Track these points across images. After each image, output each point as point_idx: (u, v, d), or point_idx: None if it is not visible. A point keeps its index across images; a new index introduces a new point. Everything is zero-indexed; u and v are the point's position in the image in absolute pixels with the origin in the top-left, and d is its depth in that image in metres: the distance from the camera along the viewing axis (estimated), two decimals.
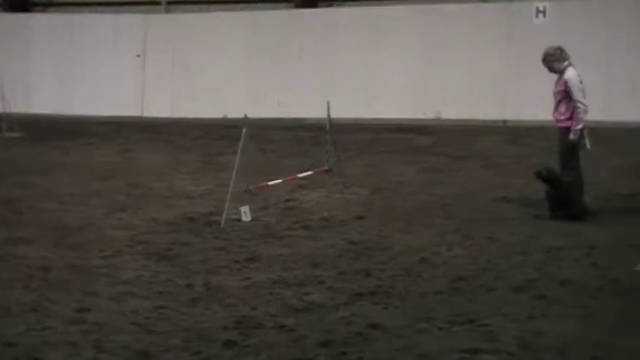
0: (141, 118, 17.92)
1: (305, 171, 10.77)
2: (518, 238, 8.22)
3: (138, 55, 18.16)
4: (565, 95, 8.96)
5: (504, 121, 15.46)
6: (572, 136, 8.87)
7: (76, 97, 18.57)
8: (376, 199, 10.10)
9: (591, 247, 7.82)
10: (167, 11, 19.49)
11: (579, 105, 8.87)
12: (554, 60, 9.12)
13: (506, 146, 13.44)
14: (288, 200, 10.08)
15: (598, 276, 7.01)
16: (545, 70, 9.29)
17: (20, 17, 19.65)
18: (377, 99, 16.61)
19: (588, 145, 8.98)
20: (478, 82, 16.07)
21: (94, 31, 18.54)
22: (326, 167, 11.26)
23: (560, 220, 8.74)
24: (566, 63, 9.08)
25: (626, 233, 8.25)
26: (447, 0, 16.78)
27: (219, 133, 15.39)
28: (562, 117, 8.99)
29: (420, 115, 16.18)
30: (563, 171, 8.96)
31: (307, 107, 16.48)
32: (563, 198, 8.80)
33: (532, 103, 15.06)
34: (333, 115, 10.96)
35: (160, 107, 17.97)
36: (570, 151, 8.92)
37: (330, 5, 18.10)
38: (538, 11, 15.68)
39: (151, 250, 8.03)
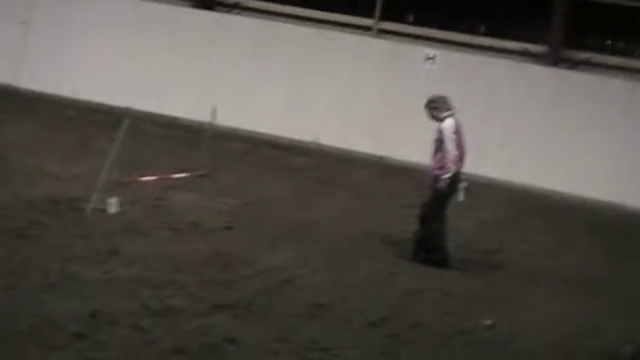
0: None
1: (180, 172, 10.64)
2: (379, 274, 8.37)
3: (23, 22, 17.52)
4: (440, 144, 9.20)
5: (381, 157, 15.74)
6: (440, 185, 9.12)
7: None
8: (246, 212, 10.07)
9: (447, 295, 8.05)
10: None
11: (447, 155, 9.10)
12: (434, 107, 9.31)
13: (380, 182, 13.68)
14: (158, 199, 9.91)
15: (450, 324, 7.22)
16: (425, 114, 9.47)
17: None
18: (257, 112, 16.62)
19: (461, 197, 9.25)
20: (358, 113, 16.34)
21: None
22: (201, 171, 11.18)
23: (420, 263, 8.95)
24: (446, 113, 9.25)
25: (479, 287, 8.53)
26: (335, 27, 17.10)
27: (96, 118, 14.98)
28: (436, 165, 9.23)
29: (296, 136, 16.28)
30: (427, 217, 9.17)
31: (189, 108, 16.31)
32: (427, 243, 9.02)
33: (410, 143, 15.44)
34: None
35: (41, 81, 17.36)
36: (439, 199, 9.15)
37: (228, 12, 18.04)
38: (428, 57, 16.11)
39: (10, 228, 7.73)
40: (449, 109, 9.29)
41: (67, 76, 17.28)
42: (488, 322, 7.33)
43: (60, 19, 17.60)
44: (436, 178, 9.13)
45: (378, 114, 16.21)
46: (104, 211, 8.80)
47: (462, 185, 9.22)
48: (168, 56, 17.11)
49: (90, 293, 6.43)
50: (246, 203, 10.52)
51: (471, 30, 17.18)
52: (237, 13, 18.01)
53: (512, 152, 15.55)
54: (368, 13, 17.58)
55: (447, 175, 9.06)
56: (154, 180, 10.12)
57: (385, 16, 17.57)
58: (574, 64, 16.38)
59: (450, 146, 9.06)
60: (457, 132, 9.17)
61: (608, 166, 15.00)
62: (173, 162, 11.73)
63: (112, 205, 8.88)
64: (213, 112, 11.51)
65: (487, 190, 13.16)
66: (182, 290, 6.87)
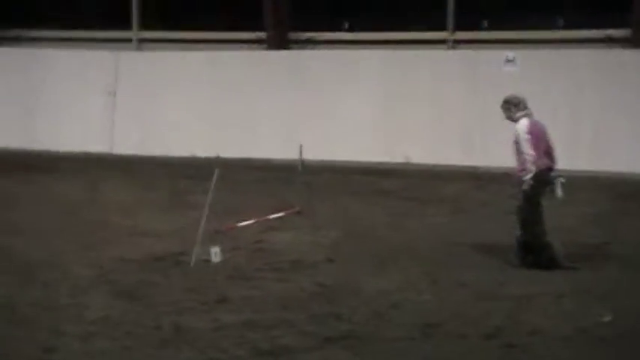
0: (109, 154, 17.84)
1: (275, 212, 10.75)
2: (488, 285, 8.24)
3: (110, 93, 18.11)
4: (517, 146, 9.03)
5: (473, 167, 15.58)
6: (524, 186, 8.92)
7: (44, 131, 18.42)
8: (346, 242, 10.09)
9: (560, 296, 7.86)
10: (138, 48, 19.50)
11: (525, 156, 8.90)
12: (509, 107, 9.14)
13: (475, 192, 13.53)
14: (258, 241, 10.02)
15: (567, 325, 7.03)
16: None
17: None
18: (345, 140, 16.69)
19: (559, 193, 9.03)
20: (447, 126, 16.23)
21: (63, 67, 18.47)
22: (296, 209, 11.26)
23: (529, 267, 8.78)
24: (520, 114, 9.06)
25: (593, 283, 8.31)
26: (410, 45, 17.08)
27: (188, 172, 15.33)
28: (519, 167, 9.06)
29: (388, 159, 16.27)
30: (524, 220, 8.98)
31: (276, 148, 16.52)
32: (530, 246, 8.85)
33: (500, 149, 15.21)
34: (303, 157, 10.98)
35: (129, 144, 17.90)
36: (529, 200, 8.95)
37: (303, 48, 18.23)
38: (507, 60, 15.91)
39: (119, 289, 7.94)
40: (524, 109, 9.10)
41: (155, 136, 17.77)
42: (608, 317, 7.11)
43: (143, 85, 18.13)
44: (520, 181, 8.97)
45: (465, 124, 16.08)
46: (208, 261, 8.94)
47: (559, 181, 9.00)
48: (250, 100, 17.41)
49: (203, 343, 6.52)
50: (344, 233, 10.54)
51: (549, 25, 16.92)
52: (312, 48, 18.19)
53: (605, 141, 15.18)
54: (441, 26, 17.54)
55: (528, 177, 8.87)
56: (252, 224, 10.24)
57: (459, 26, 17.50)
58: None
59: (525, 147, 8.87)
60: (533, 132, 8.94)
61: None
62: (268, 203, 11.86)
63: (215, 254, 9.01)
64: (300, 148, 11.61)
65: (585, 183, 12.86)
66: (292, 328, 6.89)
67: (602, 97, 15.40)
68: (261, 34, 18.34)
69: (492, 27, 17.33)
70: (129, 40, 19.62)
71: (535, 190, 8.88)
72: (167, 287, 8.07)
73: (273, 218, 10.61)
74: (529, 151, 8.86)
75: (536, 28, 16.83)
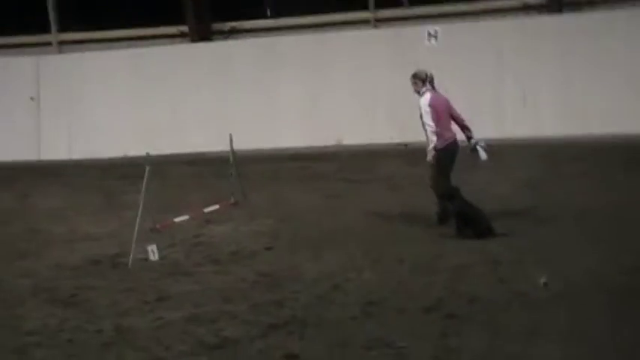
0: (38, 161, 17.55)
1: (211, 205, 10.70)
2: (426, 258, 8.33)
3: (32, 98, 17.78)
4: (422, 120, 9.41)
5: (405, 144, 15.71)
6: (428, 157, 9.29)
7: None
8: (284, 229, 10.10)
9: (496, 263, 7.99)
10: (60, 51, 19.16)
11: (426, 127, 9.30)
12: (416, 82, 9.57)
13: (407, 168, 13.64)
14: (196, 236, 9.98)
15: (505, 291, 7.16)
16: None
17: None
18: (276, 128, 16.69)
19: (483, 156, 9.27)
20: (375, 106, 16.33)
21: None
22: (232, 200, 11.23)
23: (465, 238, 8.91)
24: (425, 88, 9.47)
25: (528, 247, 8.46)
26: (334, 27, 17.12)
27: (120, 173, 15.17)
28: (426, 139, 9.42)
29: (319, 143, 16.31)
30: (440, 191, 9.32)
31: (206, 141, 16.43)
32: (463, 216, 8.99)
33: None
34: (234, 147, 10.95)
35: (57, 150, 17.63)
36: (438, 171, 9.28)
37: (226, 38, 18.13)
38: (430, 35, 16.05)
39: (57, 297, 7.81)
40: (429, 83, 9.50)
41: (83, 139, 17.52)
42: (543, 280, 7.25)
43: (66, 88, 17.83)
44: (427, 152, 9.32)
45: (393, 102, 16.19)
46: (146, 260, 8.86)
47: (480, 145, 9.25)
48: (177, 95, 17.27)
49: (146, 343, 6.46)
50: (281, 220, 10.56)
51: None
52: (235, 38, 18.12)
53: (532, 107, 15.45)
54: (363, 5, 17.60)
55: (431, 147, 9.23)
56: (188, 219, 10.17)
57: (380, 5, 17.58)
58: (576, 6, 16.23)
59: (427, 119, 9.30)
60: (434, 105, 9.32)
61: (629, 100, 14.85)
62: (203, 197, 11.80)
63: (152, 252, 8.93)
64: (231, 139, 11.56)
65: (514, 149, 13.07)
66: (235, 319, 6.88)
67: (524, 64, 15.66)
68: (184, 28, 18.19)
69: (413, 3, 17.47)
70: (49, 44, 19.27)
71: (442, 162, 9.25)
72: (106, 290, 7.98)
73: (209, 212, 10.56)
74: (429, 122, 9.28)
75: (455, 1, 17.03)
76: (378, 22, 17.59)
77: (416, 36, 16.13)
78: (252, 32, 18.16)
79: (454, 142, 9.38)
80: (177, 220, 10.06)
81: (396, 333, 6.33)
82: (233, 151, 11.54)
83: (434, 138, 9.24)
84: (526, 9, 16.53)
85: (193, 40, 18.04)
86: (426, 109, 9.32)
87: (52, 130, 17.79)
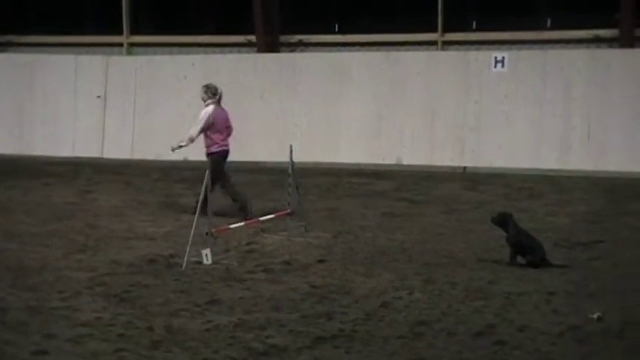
0: (101, 159, 17.84)
1: (267, 214, 10.77)
2: (479, 284, 8.27)
3: (98, 96, 18.11)
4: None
5: (464, 168, 15.64)
6: (209, 161, 11.22)
7: (35, 137, 18.43)
8: (338, 243, 10.12)
9: (550, 294, 7.90)
10: (129, 53, 19.52)
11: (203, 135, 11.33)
12: (206, 92, 11.36)
13: (466, 192, 13.57)
14: (249, 243, 10.05)
15: (557, 322, 7.07)
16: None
17: None
18: (337, 143, 16.73)
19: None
20: (437, 128, 16.28)
21: (54, 71, 18.47)
22: (288, 210, 11.27)
23: (520, 266, 8.83)
24: (210, 101, 11.25)
25: (583, 281, 8.35)
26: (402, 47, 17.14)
27: (180, 175, 15.36)
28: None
29: (379, 161, 16.32)
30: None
31: (267, 151, 16.55)
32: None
33: (490, 150, 15.29)
34: (294, 159, 11.00)
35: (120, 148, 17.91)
36: (212, 172, 9.87)
37: (293, 50, 18.26)
38: (496, 61, 15.96)
39: (111, 292, 7.94)
40: (212, 98, 11.21)
41: (146, 140, 17.75)
42: (597, 314, 7.14)
43: (131, 90, 18.11)
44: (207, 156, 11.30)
45: (456, 125, 16.10)
46: (200, 263, 8.95)
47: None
48: (240, 103, 17.39)
49: (195, 344, 6.53)
50: (336, 234, 10.58)
51: (537, 26, 16.99)
52: (302, 51, 18.22)
53: (599, 142, 15.23)
54: (431, 27, 17.57)
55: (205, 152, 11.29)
56: (243, 226, 10.25)
57: (448, 28, 17.54)
58: None
59: (195, 127, 11.22)
60: (214, 117, 11.15)
61: None
62: (259, 205, 11.88)
63: (206, 256, 9.02)
64: (291, 150, 11.62)
65: (578, 183, 12.91)
66: (283, 328, 6.92)
67: (592, 96, 15.47)
68: (252, 37, 18.37)
69: (481, 28, 17.40)
70: (120, 45, 19.63)
71: (214, 165, 11.00)
72: (159, 289, 8.09)
73: (265, 220, 10.63)
74: (196, 129, 11.16)
75: (524, 29, 16.91)
76: (446, 44, 17.55)
77: (484, 61, 16.05)
78: (319, 46, 18.25)
79: (226, 151, 11.37)
80: (232, 226, 10.14)
81: (444, 356, 6.30)
82: (292, 162, 11.59)
83: (208, 142, 11.19)
84: (597, 41, 16.35)
85: (260, 51, 18.20)
86: (200, 118, 11.16)
87: (116, 129, 18.09)
